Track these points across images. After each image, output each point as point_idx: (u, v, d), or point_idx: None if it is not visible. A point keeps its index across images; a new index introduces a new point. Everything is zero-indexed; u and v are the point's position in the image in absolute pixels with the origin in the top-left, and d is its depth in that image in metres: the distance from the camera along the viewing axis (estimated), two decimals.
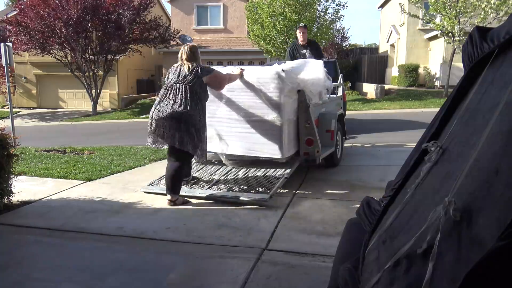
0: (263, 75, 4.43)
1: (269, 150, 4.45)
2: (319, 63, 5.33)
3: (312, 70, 5.01)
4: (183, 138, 3.95)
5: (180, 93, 3.98)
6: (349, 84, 20.75)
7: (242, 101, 4.53)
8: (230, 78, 4.43)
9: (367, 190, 4.43)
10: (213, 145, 4.71)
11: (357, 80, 22.77)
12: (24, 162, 6.09)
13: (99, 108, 18.39)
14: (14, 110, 12.63)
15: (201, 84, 4.07)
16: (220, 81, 4.29)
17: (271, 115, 4.37)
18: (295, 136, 4.67)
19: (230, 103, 4.61)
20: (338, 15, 17.25)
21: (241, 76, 4.51)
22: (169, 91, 4.07)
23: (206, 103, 4.24)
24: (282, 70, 4.38)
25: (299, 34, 6.98)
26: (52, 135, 11.83)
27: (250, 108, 4.48)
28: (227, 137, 4.70)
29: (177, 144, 3.95)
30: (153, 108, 4.12)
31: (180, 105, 3.94)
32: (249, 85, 4.47)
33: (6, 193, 3.96)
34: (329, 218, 3.64)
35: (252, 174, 4.71)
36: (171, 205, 4.09)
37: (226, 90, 4.51)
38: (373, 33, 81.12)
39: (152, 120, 4.07)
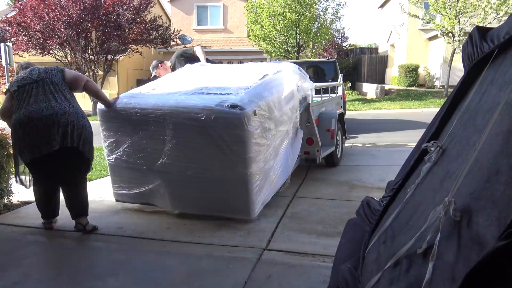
0: (218, 120, 3.25)
1: (234, 210, 3.53)
2: (288, 69, 4.34)
3: (284, 84, 4.05)
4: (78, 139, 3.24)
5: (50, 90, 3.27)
6: (349, 84, 20.77)
7: (194, 149, 3.43)
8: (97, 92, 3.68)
9: (367, 190, 4.43)
10: (160, 201, 3.78)
11: (357, 80, 22.77)
12: None
13: None
14: None
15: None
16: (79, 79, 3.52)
17: (234, 171, 3.35)
18: (269, 178, 3.68)
19: (178, 151, 3.48)
20: (338, 15, 17.27)
21: (109, 105, 3.70)
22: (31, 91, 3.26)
23: (148, 150, 3.57)
24: (252, 111, 3.28)
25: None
26: None
27: (205, 160, 3.41)
28: (179, 194, 3.66)
29: (80, 146, 3.25)
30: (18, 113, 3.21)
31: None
32: (201, 129, 3.29)
33: (6, 193, 3.97)
34: (329, 218, 3.64)
35: None
36: (88, 229, 3.39)
37: (171, 136, 3.46)
38: (373, 33, 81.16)
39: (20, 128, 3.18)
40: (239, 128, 3.22)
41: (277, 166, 3.85)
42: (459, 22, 14.50)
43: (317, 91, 5.76)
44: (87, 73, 16.85)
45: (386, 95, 17.93)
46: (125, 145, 3.70)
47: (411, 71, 19.32)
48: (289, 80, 4.19)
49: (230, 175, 3.38)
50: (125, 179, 3.88)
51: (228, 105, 3.24)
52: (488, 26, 3.90)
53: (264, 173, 3.55)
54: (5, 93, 3.39)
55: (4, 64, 9.14)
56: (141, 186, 3.79)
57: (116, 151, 3.79)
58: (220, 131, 3.26)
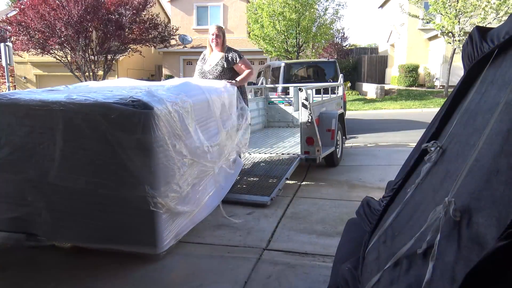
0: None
1: (137, 241, 2.75)
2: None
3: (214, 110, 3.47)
4: None
5: None
6: (349, 84, 20.76)
7: (86, 159, 2.72)
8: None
9: (367, 190, 4.43)
10: (41, 229, 2.90)
11: (357, 80, 22.77)
12: None
13: None
14: None
15: None
16: None
17: (136, 190, 2.62)
18: (187, 207, 2.99)
19: (67, 160, 2.74)
20: (338, 15, 17.28)
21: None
22: None
23: (29, 158, 2.83)
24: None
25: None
26: None
27: (100, 174, 2.68)
28: (66, 219, 2.84)
29: None
30: None
31: None
32: (96, 132, 2.64)
33: None
34: (329, 218, 3.64)
35: (252, 173, 4.70)
36: None
37: (59, 141, 2.72)
38: (373, 33, 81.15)
39: None
40: (141, 132, 2.55)
41: (200, 195, 3.21)
42: (459, 22, 14.51)
43: (318, 91, 5.78)
44: (87, 73, 16.86)
45: (386, 95, 17.93)
46: (1, 152, 2.88)
47: (411, 71, 19.32)
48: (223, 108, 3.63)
49: (130, 194, 2.63)
50: None
51: (130, 101, 2.60)
52: (488, 26, 3.89)
53: (179, 200, 2.87)
54: None
55: (4, 64, 9.12)
56: (17, 208, 2.91)
57: None
58: (118, 135, 2.58)
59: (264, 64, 14.67)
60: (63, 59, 16.75)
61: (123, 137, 2.59)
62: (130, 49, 17.71)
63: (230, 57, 4.16)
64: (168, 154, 2.71)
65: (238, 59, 4.18)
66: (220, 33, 4.22)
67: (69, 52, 16.50)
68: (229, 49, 4.27)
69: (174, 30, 18.99)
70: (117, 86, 3.45)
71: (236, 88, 4.03)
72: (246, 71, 4.19)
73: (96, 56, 16.91)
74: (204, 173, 3.28)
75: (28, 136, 2.80)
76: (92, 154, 2.69)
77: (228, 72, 4.17)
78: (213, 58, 4.28)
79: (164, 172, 2.70)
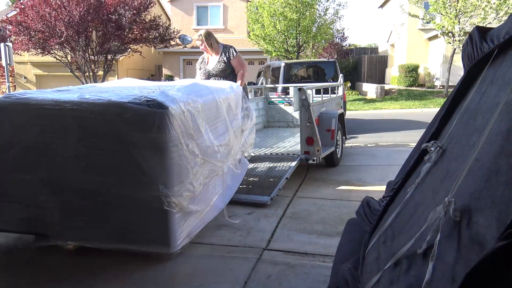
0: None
1: (150, 241, 2.74)
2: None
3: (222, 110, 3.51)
4: None
5: None
6: (349, 84, 20.76)
7: (100, 159, 2.70)
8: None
9: (367, 190, 4.43)
10: (52, 230, 2.85)
11: (357, 80, 22.77)
12: None
13: None
14: None
15: None
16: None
17: (149, 189, 2.61)
18: (198, 206, 2.99)
19: (80, 160, 2.72)
20: (338, 15, 17.29)
21: None
22: None
23: (42, 158, 2.80)
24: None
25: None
26: None
27: (114, 173, 2.68)
28: (78, 219, 2.81)
29: None
30: None
31: None
32: (110, 131, 2.64)
33: None
34: (329, 218, 3.64)
35: (252, 173, 4.70)
36: None
37: (72, 141, 2.71)
38: (373, 33, 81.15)
39: None
40: (156, 131, 2.56)
41: (210, 194, 3.23)
42: (459, 22, 14.52)
43: (318, 91, 5.78)
44: (87, 73, 16.86)
45: (386, 95, 17.94)
46: (12, 152, 2.82)
47: (411, 71, 19.33)
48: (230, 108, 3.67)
49: (144, 194, 2.63)
50: (8, 198, 2.92)
51: (145, 101, 2.61)
52: (488, 26, 3.89)
53: (191, 199, 2.87)
54: None
55: (4, 64, 9.13)
56: (28, 209, 2.88)
57: None
58: (133, 135, 2.59)
59: (264, 64, 14.68)
60: (63, 59, 16.75)
61: (137, 136, 2.59)
62: (130, 49, 17.71)
63: (228, 52, 4.46)
64: (182, 153, 2.72)
65: (234, 54, 4.47)
66: (203, 39, 4.47)
67: (69, 52, 16.49)
68: (224, 46, 4.54)
69: (175, 34, 19.01)
70: (127, 86, 3.45)
71: (242, 88, 4.09)
72: (241, 71, 4.47)
73: (96, 56, 16.91)
74: (214, 173, 3.28)
75: (40, 136, 2.77)
76: (105, 154, 2.68)
77: (230, 66, 4.45)
78: (212, 59, 4.56)
79: (178, 171, 2.70)
